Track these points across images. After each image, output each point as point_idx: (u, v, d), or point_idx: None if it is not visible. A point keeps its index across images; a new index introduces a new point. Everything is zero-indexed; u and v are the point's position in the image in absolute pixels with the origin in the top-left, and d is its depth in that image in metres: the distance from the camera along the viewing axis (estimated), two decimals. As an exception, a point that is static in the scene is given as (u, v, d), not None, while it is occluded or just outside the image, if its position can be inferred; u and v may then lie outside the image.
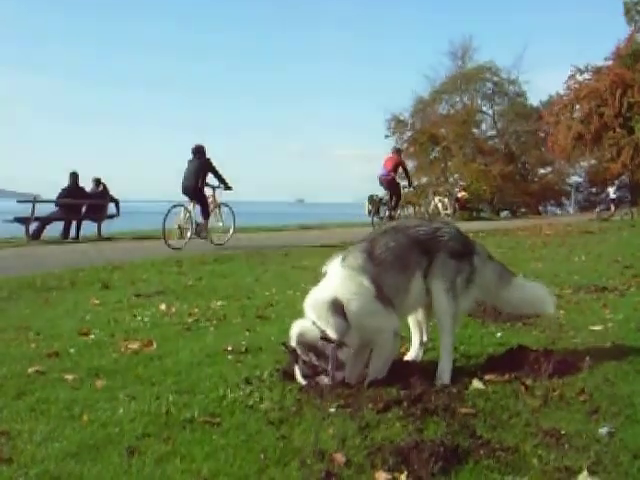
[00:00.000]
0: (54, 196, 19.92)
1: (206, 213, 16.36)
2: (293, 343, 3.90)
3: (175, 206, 16.02)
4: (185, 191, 16.17)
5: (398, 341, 4.12)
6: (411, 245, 4.07)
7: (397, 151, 21.33)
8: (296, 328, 3.92)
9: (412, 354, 4.43)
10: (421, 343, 4.45)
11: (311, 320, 3.87)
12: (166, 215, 15.66)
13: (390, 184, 19.97)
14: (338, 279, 3.92)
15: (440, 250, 4.11)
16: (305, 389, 3.83)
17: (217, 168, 16.37)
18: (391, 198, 20.10)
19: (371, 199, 21.12)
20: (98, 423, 3.40)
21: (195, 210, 16.17)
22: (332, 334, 3.80)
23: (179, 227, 15.96)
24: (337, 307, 3.82)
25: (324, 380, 3.83)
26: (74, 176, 20.08)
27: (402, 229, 4.19)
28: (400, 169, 20.34)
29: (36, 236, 18.80)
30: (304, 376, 3.90)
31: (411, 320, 4.44)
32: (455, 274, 4.10)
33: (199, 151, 16.27)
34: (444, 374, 4.02)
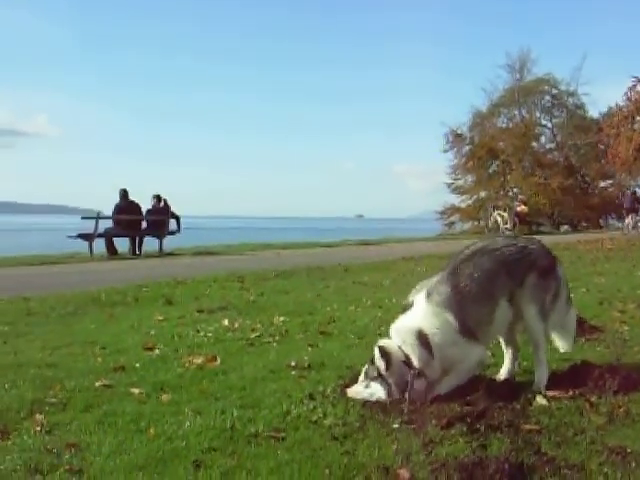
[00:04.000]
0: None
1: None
2: (376, 346, 4.02)
3: None
4: None
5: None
6: (498, 269, 4.10)
7: None
8: (382, 342, 4.05)
9: (505, 371, 4.43)
10: (513, 359, 4.45)
11: (396, 344, 3.98)
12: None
13: None
14: (423, 313, 4.00)
15: (529, 271, 4.14)
16: (368, 405, 3.86)
17: None
18: None
19: None
20: (164, 437, 3.46)
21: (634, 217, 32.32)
22: (415, 362, 3.90)
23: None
24: (423, 338, 3.92)
25: (378, 388, 3.92)
26: (124, 192, 20.39)
27: (489, 251, 4.19)
28: None
29: (113, 252, 19.49)
30: (365, 373, 4.02)
31: (501, 338, 4.44)
32: (545, 294, 4.16)
33: None
34: (541, 382, 4.13)
